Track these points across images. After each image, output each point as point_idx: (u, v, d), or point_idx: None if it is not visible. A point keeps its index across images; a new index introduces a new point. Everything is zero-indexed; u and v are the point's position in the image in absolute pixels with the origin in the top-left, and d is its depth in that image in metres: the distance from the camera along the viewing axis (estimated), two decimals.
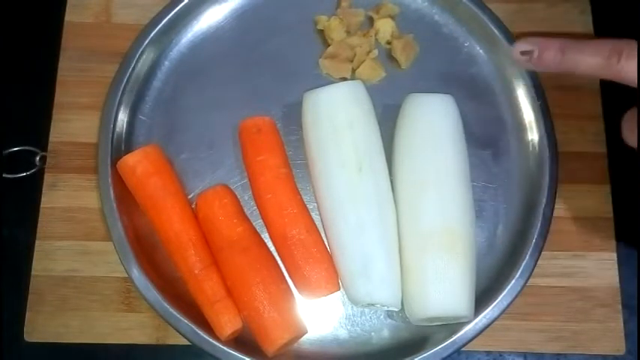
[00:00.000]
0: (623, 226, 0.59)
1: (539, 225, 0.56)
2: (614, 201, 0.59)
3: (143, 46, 0.60)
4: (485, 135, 0.60)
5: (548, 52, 0.49)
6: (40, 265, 0.57)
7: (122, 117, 0.59)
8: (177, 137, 0.60)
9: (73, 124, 0.60)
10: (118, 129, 0.58)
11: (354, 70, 0.61)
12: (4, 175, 0.59)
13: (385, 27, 0.62)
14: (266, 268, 0.53)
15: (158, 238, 0.55)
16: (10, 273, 0.58)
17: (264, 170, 0.56)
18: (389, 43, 0.62)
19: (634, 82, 0.44)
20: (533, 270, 0.55)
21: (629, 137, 0.46)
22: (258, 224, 0.57)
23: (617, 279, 0.58)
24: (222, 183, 0.57)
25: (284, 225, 0.55)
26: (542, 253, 0.55)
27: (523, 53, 0.50)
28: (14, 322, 0.56)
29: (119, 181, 0.56)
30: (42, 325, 0.56)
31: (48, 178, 0.59)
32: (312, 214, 0.56)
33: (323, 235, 0.56)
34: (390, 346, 0.55)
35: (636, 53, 0.44)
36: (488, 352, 0.57)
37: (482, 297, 0.54)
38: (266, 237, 0.56)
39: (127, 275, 0.54)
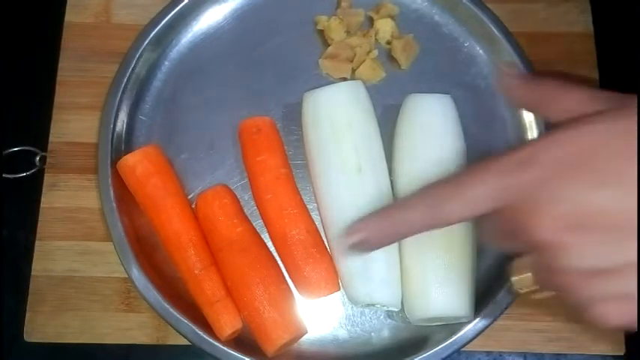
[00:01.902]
0: None
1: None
2: None
3: (143, 47, 0.60)
4: (484, 135, 0.60)
5: (374, 228, 0.44)
6: (39, 265, 0.57)
7: (122, 117, 0.59)
8: (177, 137, 0.60)
9: (73, 124, 0.60)
10: (117, 129, 0.58)
11: (354, 71, 0.61)
12: (4, 175, 0.59)
13: (385, 27, 0.62)
14: (266, 268, 0.53)
15: (158, 239, 0.55)
16: (10, 273, 0.58)
17: (264, 170, 0.56)
18: (389, 43, 0.62)
19: (468, 219, 0.40)
20: None
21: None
22: (258, 224, 0.57)
23: None
24: (222, 183, 0.57)
25: (284, 225, 0.55)
26: None
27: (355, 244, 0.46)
28: (14, 322, 0.56)
29: (119, 182, 0.56)
30: (42, 326, 0.56)
31: (48, 178, 0.59)
32: (312, 214, 0.56)
33: (323, 235, 0.56)
34: (389, 347, 0.55)
35: (452, 190, 0.40)
36: (488, 353, 0.57)
37: (482, 297, 0.54)
38: (266, 237, 0.56)
39: (127, 275, 0.54)
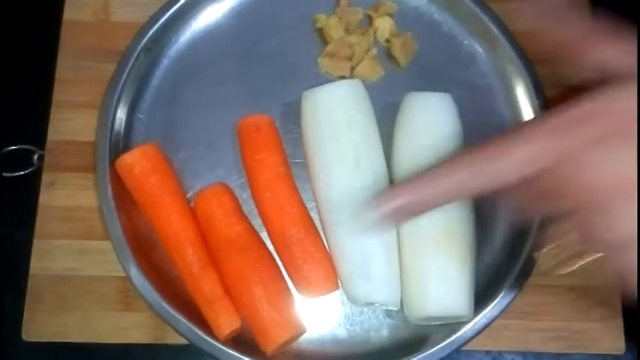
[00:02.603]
0: None
1: (538, 223, 0.55)
2: None
3: (142, 45, 0.59)
4: (484, 134, 0.60)
5: (420, 190, 0.40)
6: (37, 264, 0.57)
7: (120, 115, 0.59)
8: (176, 136, 0.59)
9: (71, 123, 0.60)
10: (116, 127, 0.58)
11: (352, 69, 0.61)
12: (1, 174, 0.59)
13: (384, 25, 0.62)
14: (265, 267, 0.53)
15: (156, 237, 0.55)
16: (8, 272, 0.58)
17: (262, 169, 0.56)
18: (388, 41, 0.62)
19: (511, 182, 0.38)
20: (532, 269, 0.55)
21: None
22: (257, 223, 0.57)
23: (617, 278, 0.57)
24: (221, 182, 0.57)
25: (283, 224, 0.54)
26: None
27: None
28: (12, 321, 0.56)
29: (117, 180, 0.56)
30: (40, 325, 0.56)
31: (46, 176, 0.59)
32: (311, 213, 0.56)
33: (322, 234, 0.56)
34: (389, 346, 0.55)
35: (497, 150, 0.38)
36: (487, 352, 0.57)
37: (481, 296, 0.54)
38: (265, 236, 0.56)
39: (125, 274, 0.54)
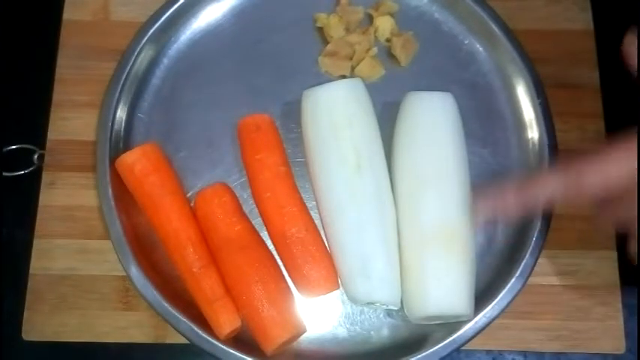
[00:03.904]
0: None
1: (539, 223, 0.55)
2: None
3: (142, 44, 0.59)
4: (484, 133, 0.60)
5: (506, 203, 0.48)
6: (38, 264, 0.57)
7: (120, 115, 0.59)
8: (176, 135, 0.59)
9: (71, 122, 0.60)
10: (116, 127, 0.58)
11: (353, 68, 0.61)
12: (2, 174, 0.59)
13: (384, 24, 0.62)
14: (265, 267, 0.53)
15: (157, 237, 0.55)
16: (8, 271, 0.58)
17: (263, 168, 0.56)
18: (388, 40, 0.62)
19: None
20: (533, 268, 0.55)
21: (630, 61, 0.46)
22: (257, 223, 0.57)
23: (617, 277, 0.58)
24: (221, 181, 0.57)
25: (283, 223, 0.54)
26: (542, 251, 0.55)
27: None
28: (12, 320, 0.56)
29: (117, 180, 0.56)
30: (40, 324, 0.56)
31: (46, 176, 0.59)
32: (311, 212, 0.56)
33: (322, 233, 0.56)
34: (389, 345, 0.55)
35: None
36: (488, 351, 0.57)
37: (481, 295, 0.54)
38: (265, 235, 0.56)
39: (125, 274, 0.54)
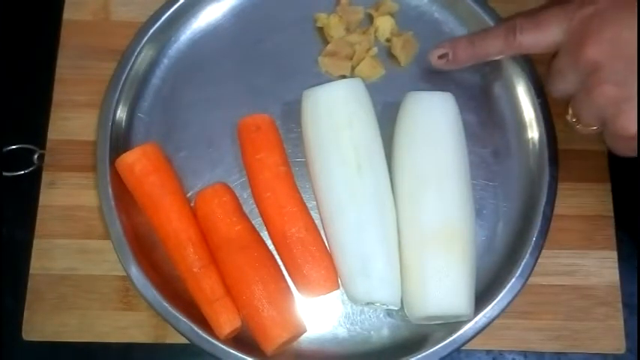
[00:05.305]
0: (623, 224, 0.59)
1: (539, 223, 0.55)
2: (615, 199, 0.59)
3: (142, 44, 0.59)
4: (485, 133, 0.60)
5: (459, 48, 0.56)
6: (38, 264, 0.57)
7: (121, 115, 0.59)
8: (176, 135, 0.59)
9: (71, 122, 0.60)
10: (116, 127, 0.58)
11: (353, 68, 0.61)
12: (2, 173, 0.59)
13: (385, 24, 0.62)
14: (265, 267, 0.53)
15: (157, 237, 0.55)
16: (8, 271, 0.58)
17: (263, 168, 0.56)
18: (388, 40, 0.62)
19: (533, 49, 0.51)
20: (533, 268, 0.55)
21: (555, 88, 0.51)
22: (258, 222, 0.57)
23: (617, 277, 0.58)
24: (221, 181, 0.57)
25: (283, 223, 0.54)
26: (543, 251, 0.55)
27: (440, 57, 0.57)
28: (12, 320, 0.56)
29: (118, 180, 0.56)
30: (40, 324, 0.56)
31: (46, 176, 0.59)
32: (311, 212, 0.56)
33: (322, 233, 0.56)
34: (389, 345, 0.55)
35: (529, 25, 0.50)
36: (488, 351, 0.57)
37: (482, 295, 0.54)
38: (265, 235, 0.56)
39: (125, 274, 0.54)
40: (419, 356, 0.52)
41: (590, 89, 0.46)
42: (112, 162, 0.56)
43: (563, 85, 0.50)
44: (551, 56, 0.50)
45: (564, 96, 0.50)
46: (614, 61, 0.45)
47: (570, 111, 0.51)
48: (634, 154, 0.47)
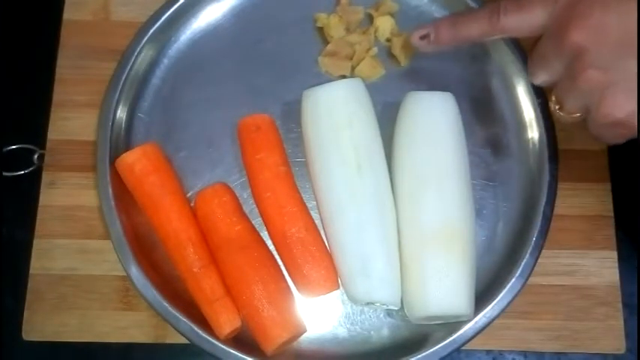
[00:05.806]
0: (623, 224, 0.59)
1: (539, 223, 0.55)
2: (615, 199, 0.59)
3: (142, 44, 0.59)
4: (485, 133, 0.60)
5: (441, 29, 0.53)
6: (38, 264, 0.57)
7: (121, 115, 0.59)
8: (176, 135, 0.59)
9: (71, 122, 0.60)
10: (116, 127, 0.58)
11: (353, 68, 0.61)
12: (2, 174, 0.59)
13: (385, 24, 0.62)
14: (265, 267, 0.53)
15: (157, 237, 0.55)
16: (8, 271, 0.58)
17: (263, 168, 0.56)
18: (388, 40, 0.62)
19: (517, 32, 0.50)
20: (533, 268, 0.55)
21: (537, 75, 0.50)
22: (257, 222, 0.57)
23: (617, 277, 0.58)
24: (221, 181, 0.57)
25: (283, 223, 0.54)
26: (543, 251, 0.55)
27: (422, 38, 0.54)
28: (12, 320, 0.56)
29: (118, 180, 0.56)
30: (40, 324, 0.56)
31: (46, 176, 0.59)
32: (311, 212, 0.56)
33: (322, 233, 0.56)
34: (389, 345, 0.55)
35: (513, 7, 0.49)
36: (488, 351, 0.57)
37: (482, 295, 0.54)
38: (265, 235, 0.56)
39: (125, 274, 0.54)
40: (419, 356, 0.52)
41: (575, 74, 0.45)
42: (112, 162, 0.56)
43: (546, 70, 0.48)
44: (533, 42, 0.49)
45: (547, 82, 0.49)
46: (599, 46, 0.44)
47: (553, 98, 0.49)
48: (620, 140, 0.46)
